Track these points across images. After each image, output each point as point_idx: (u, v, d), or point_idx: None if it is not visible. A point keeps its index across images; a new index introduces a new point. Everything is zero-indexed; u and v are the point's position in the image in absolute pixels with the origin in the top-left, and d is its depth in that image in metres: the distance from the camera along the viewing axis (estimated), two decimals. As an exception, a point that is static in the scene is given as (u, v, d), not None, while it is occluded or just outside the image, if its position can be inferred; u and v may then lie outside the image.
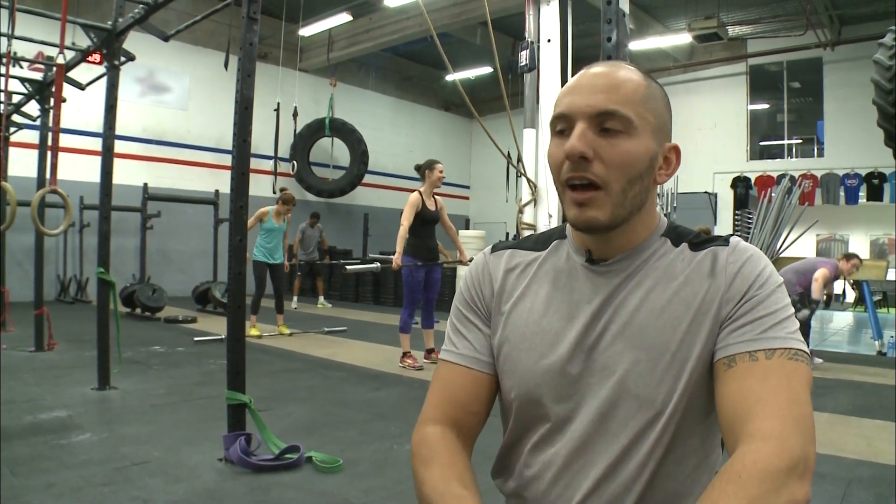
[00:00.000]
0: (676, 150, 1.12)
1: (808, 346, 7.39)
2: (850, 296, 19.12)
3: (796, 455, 0.85)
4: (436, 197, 6.67)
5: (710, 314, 1.03)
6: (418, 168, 6.72)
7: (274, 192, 14.74)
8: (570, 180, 1.04)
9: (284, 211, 8.47)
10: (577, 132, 1.02)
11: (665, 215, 1.21)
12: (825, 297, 7.80)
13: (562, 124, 1.06)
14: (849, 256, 7.44)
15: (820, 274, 7.08)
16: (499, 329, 1.19)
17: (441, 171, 6.61)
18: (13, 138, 8.35)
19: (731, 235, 1.12)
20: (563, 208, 1.08)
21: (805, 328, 7.24)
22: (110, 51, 5.29)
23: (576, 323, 1.10)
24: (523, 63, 8.27)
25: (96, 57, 5.60)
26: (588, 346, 1.09)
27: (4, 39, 5.22)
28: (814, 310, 7.04)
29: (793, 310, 1.03)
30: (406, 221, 6.39)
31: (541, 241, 1.24)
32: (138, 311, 10.44)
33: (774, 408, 0.91)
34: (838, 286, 20.74)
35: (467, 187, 22.31)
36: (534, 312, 1.15)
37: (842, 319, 15.84)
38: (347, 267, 7.75)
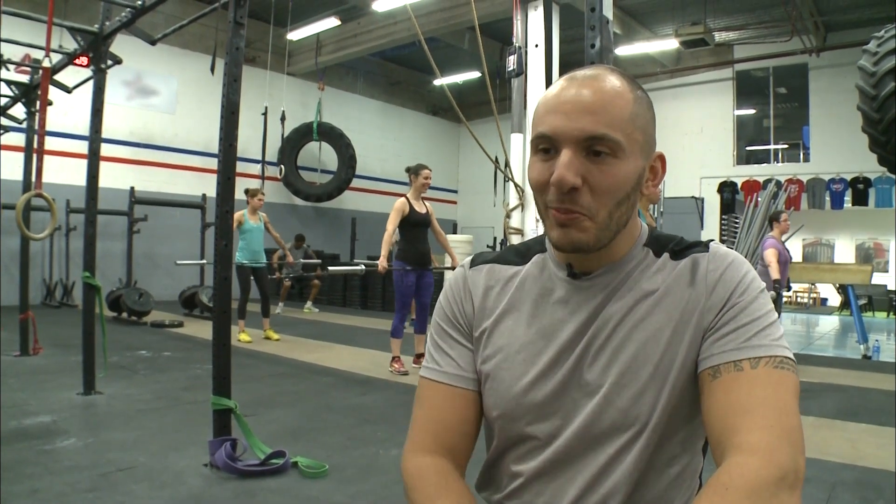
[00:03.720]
0: (662, 158, 1.10)
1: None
2: (836, 300, 19.24)
3: (785, 467, 0.84)
4: (425, 202, 6.66)
5: (692, 324, 1.02)
6: (408, 170, 6.71)
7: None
8: (557, 209, 1.00)
9: (257, 204, 8.42)
10: (564, 160, 0.97)
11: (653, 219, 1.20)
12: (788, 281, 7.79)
13: (545, 144, 1.01)
14: (774, 216, 7.47)
15: (768, 253, 7.08)
16: (481, 348, 1.16)
17: (426, 178, 6.55)
18: (-1, 141, 8.30)
19: (711, 241, 1.11)
20: (545, 228, 1.05)
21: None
22: (97, 54, 5.27)
23: (558, 340, 1.09)
24: (511, 68, 8.29)
25: (83, 60, 5.56)
26: (571, 363, 1.07)
27: (-10, 42, 5.20)
28: (779, 291, 7.01)
29: (776, 316, 1.01)
30: (391, 226, 6.36)
31: (521, 254, 1.21)
32: (125, 315, 10.37)
33: (761, 419, 0.89)
34: (824, 291, 20.93)
35: (455, 192, 22.32)
36: (516, 330, 1.13)
37: (827, 323, 15.93)
38: (330, 268, 7.72)
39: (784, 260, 7.19)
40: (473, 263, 1.24)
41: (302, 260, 11.61)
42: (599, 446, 1.04)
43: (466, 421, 1.16)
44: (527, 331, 1.12)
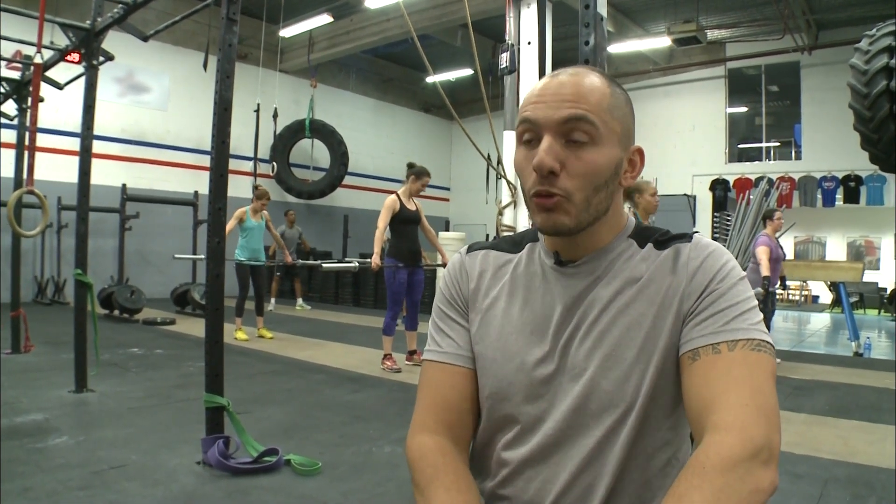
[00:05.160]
0: (640, 152, 1.14)
1: (770, 332, 7.39)
2: (828, 297, 19.31)
3: (759, 443, 0.87)
4: (415, 200, 6.67)
5: (672, 309, 1.05)
6: (411, 167, 6.72)
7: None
8: (538, 193, 1.06)
9: (260, 206, 8.37)
10: (545, 146, 1.04)
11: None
12: (781, 279, 7.78)
13: (528, 134, 1.08)
14: (768, 214, 7.48)
15: (759, 251, 7.09)
16: (474, 328, 1.21)
17: (421, 185, 6.62)
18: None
19: (695, 232, 1.15)
20: (531, 214, 1.10)
21: (767, 312, 7.21)
22: (89, 50, 5.25)
23: (547, 324, 1.13)
24: (504, 65, 8.29)
25: (75, 56, 5.54)
26: (559, 347, 1.11)
27: (-19, 38, 5.18)
28: (767, 287, 6.99)
29: (756, 302, 1.04)
30: (382, 223, 6.41)
31: (514, 243, 1.26)
32: (116, 312, 10.35)
33: (737, 398, 0.92)
34: (816, 288, 21.00)
35: (447, 189, 22.30)
36: (507, 314, 1.18)
37: (819, 321, 15.99)
38: (324, 265, 7.71)
39: (776, 257, 7.20)
40: (470, 250, 1.29)
41: (300, 261, 11.54)
42: (587, 430, 1.07)
43: (466, 398, 1.19)
44: (519, 315, 1.17)
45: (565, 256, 1.14)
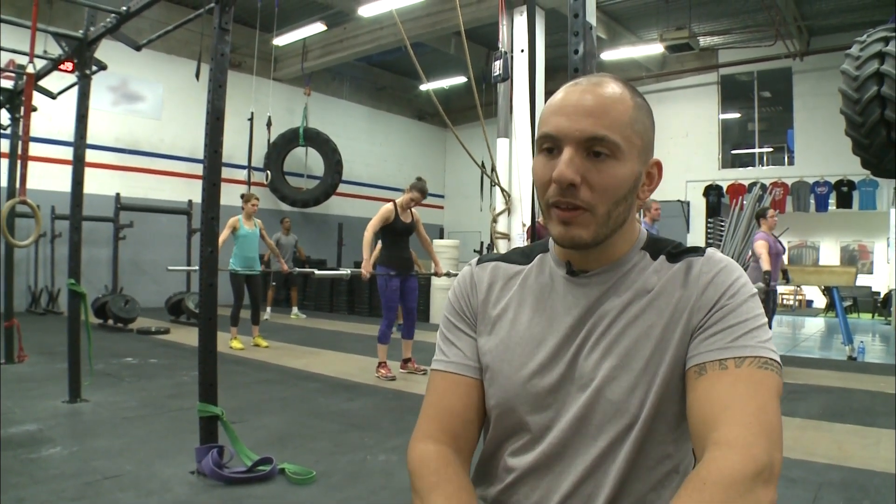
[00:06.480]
0: (658, 165, 1.14)
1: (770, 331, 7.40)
2: (822, 302, 19.35)
3: (761, 461, 0.86)
4: (412, 210, 6.67)
5: (681, 322, 1.05)
6: (420, 181, 6.72)
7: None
8: (557, 204, 1.05)
9: (251, 209, 8.38)
10: (566, 158, 1.03)
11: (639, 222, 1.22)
12: (781, 273, 7.81)
13: (549, 144, 1.07)
14: (761, 213, 7.51)
15: (758, 245, 7.11)
16: (482, 339, 1.21)
17: (412, 199, 6.61)
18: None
19: (708, 247, 1.14)
20: (548, 225, 1.10)
21: (768, 310, 7.21)
22: (82, 60, 5.24)
23: (556, 334, 1.13)
24: (497, 73, 8.32)
25: (68, 65, 5.54)
26: (568, 357, 1.11)
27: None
28: (769, 282, 7.00)
29: (766, 319, 1.03)
30: (369, 230, 6.40)
31: (525, 255, 1.26)
32: (110, 322, 10.32)
33: (741, 415, 0.91)
34: (810, 293, 21.05)
35: (442, 196, 22.28)
36: (516, 324, 1.18)
37: (813, 325, 16.02)
38: (316, 273, 7.73)
39: (776, 252, 7.23)
40: (480, 262, 1.29)
41: (297, 269, 11.50)
42: (592, 440, 1.07)
43: (471, 408, 1.20)
44: (528, 325, 1.17)
45: (577, 267, 1.14)
